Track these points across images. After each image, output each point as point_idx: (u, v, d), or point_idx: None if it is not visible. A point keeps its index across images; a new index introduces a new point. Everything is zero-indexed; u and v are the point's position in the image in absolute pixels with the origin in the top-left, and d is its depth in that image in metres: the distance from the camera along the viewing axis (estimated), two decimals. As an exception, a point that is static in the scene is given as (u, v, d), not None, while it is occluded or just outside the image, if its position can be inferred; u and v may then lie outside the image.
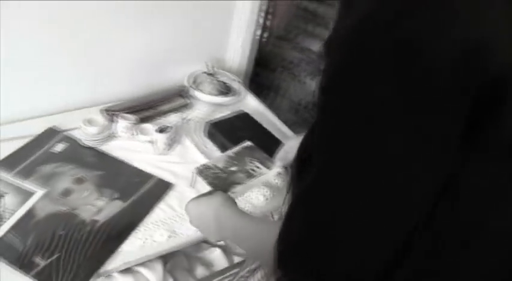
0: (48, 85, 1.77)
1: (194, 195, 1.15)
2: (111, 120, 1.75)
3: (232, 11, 2.12)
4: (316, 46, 3.30)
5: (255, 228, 0.95)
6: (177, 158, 1.72)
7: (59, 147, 1.67)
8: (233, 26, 2.17)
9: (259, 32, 2.29)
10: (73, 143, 1.70)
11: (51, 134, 1.72)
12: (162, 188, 1.59)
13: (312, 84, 2.93)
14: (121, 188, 1.55)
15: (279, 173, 1.52)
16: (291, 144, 1.48)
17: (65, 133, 1.74)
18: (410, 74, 0.51)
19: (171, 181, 1.62)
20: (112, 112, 1.77)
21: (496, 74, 0.52)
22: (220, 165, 1.48)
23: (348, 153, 0.58)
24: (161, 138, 1.67)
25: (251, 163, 1.50)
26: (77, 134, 1.71)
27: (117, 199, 1.52)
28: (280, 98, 3.08)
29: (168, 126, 1.70)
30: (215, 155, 1.71)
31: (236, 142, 1.60)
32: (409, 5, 0.51)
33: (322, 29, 3.42)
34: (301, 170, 0.73)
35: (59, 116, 1.80)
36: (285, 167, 1.49)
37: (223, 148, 1.73)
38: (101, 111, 1.80)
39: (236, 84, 2.17)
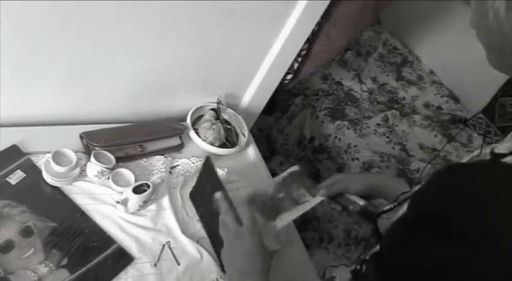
0: (29, 87, 1.50)
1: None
2: (86, 153, 1.51)
3: (267, 50, 1.83)
4: (348, 82, 3.07)
5: None
6: (148, 222, 1.47)
7: (16, 176, 1.42)
8: (263, 64, 1.89)
9: (288, 77, 2.03)
10: (34, 174, 1.44)
11: (13, 154, 1.46)
12: (120, 261, 1.35)
13: (328, 127, 2.70)
14: (73, 253, 1.31)
15: (322, 202, 1.45)
16: (339, 177, 1.49)
17: (30, 157, 1.48)
18: None
19: (133, 252, 1.38)
20: (89, 143, 1.51)
21: None
22: (270, 192, 1.43)
23: None
24: (134, 199, 1.43)
25: (298, 189, 1.46)
26: (42, 164, 1.46)
27: (64, 267, 1.28)
28: (292, 128, 2.86)
29: (146, 186, 1.46)
30: (190, 228, 1.51)
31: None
32: None
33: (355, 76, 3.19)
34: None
35: (28, 130, 1.54)
36: (328, 197, 1.46)
37: (202, 219, 1.51)
38: (80, 136, 1.55)
39: (243, 135, 1.91)
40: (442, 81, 3.46)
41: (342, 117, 2.80)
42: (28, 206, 1.36)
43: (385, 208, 1.29)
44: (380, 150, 2.64)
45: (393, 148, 2.73)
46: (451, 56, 3.37)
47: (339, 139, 2.68)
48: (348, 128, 2.73)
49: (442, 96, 3.33)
